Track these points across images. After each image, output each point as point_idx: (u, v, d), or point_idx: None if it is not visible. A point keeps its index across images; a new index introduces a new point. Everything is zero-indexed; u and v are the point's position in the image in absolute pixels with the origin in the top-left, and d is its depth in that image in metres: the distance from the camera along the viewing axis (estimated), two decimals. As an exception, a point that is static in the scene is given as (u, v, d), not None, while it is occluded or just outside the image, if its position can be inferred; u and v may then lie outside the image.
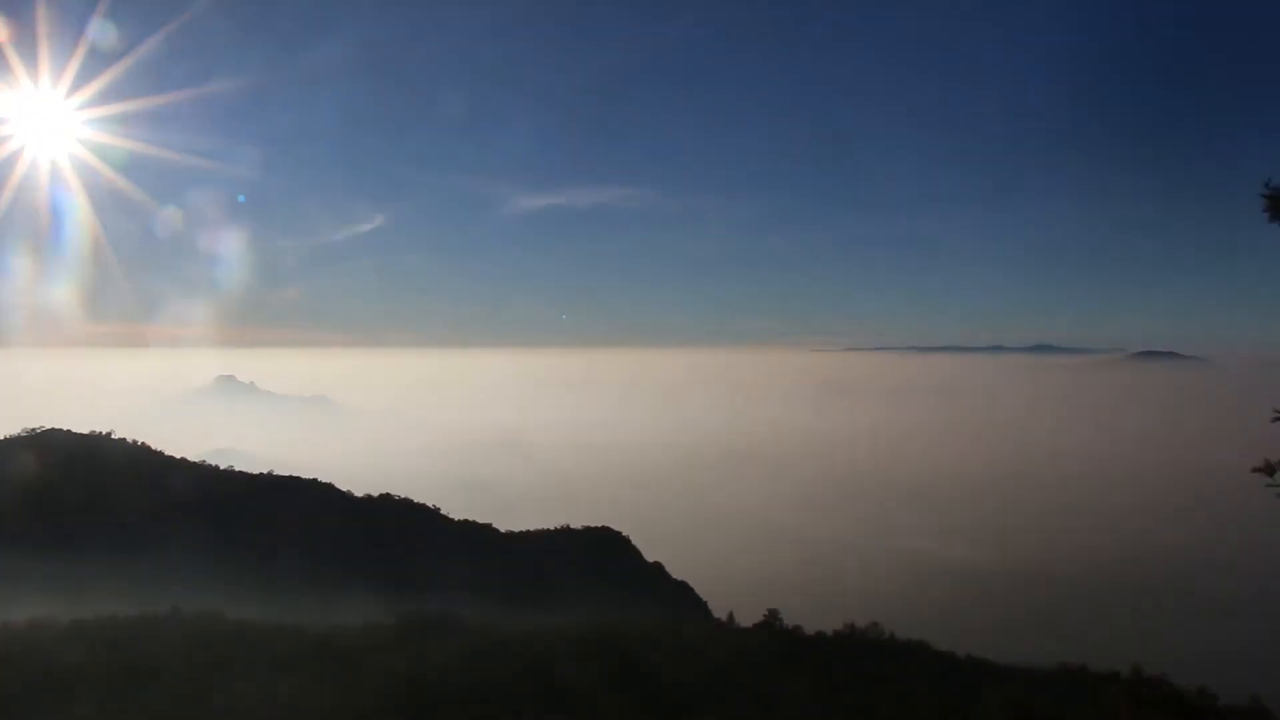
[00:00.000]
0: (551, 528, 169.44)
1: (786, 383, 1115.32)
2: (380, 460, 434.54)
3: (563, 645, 72.61)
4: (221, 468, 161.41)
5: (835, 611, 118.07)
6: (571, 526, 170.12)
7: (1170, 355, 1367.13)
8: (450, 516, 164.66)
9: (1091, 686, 61.43)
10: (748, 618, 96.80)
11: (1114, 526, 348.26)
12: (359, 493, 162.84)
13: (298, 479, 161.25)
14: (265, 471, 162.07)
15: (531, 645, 72.09)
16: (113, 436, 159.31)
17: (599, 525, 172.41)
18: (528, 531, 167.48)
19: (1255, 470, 12.12)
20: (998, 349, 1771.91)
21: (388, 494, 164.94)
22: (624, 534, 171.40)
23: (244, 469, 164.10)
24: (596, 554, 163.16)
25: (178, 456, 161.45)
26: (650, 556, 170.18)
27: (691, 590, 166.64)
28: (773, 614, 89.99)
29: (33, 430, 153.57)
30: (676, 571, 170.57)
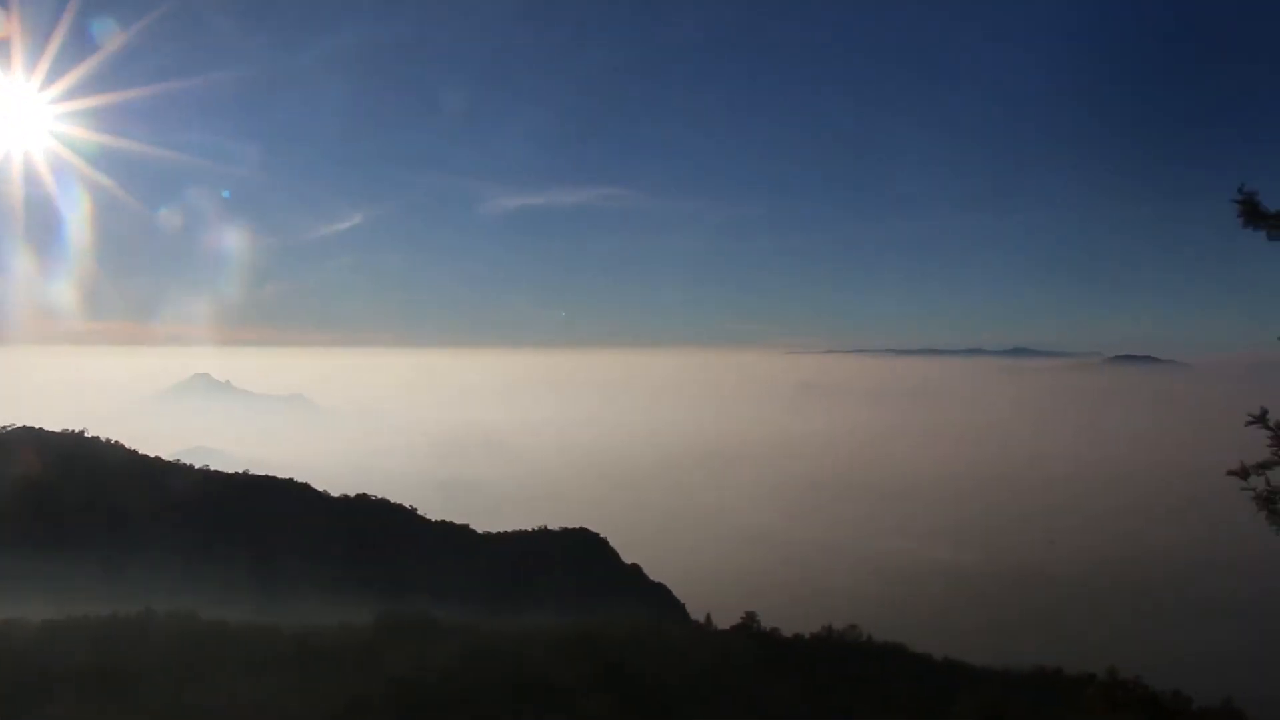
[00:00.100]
0: (529, 529, 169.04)
1: (764, 384, 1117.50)
2: (358, 460, 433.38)
3: (544, 646, 72.47)
4: (196, 467, 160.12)
5: (813, 613, 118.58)
6: (550, 528, 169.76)
7: (1147, 359, 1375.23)
8: (428, 517, 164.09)
9: (1067, 689, 61.81)
10: (726, 620, 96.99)
11: (1093, 529, 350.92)
12: (336, 493, 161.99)
13: (274, 479, 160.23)
14: (241, 471, 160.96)
15: (511, 646, 71.90)
16: (86, 435, 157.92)
17: (577, 526, 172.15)
18: (505, 533, 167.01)
19: (1230, 473, 12.18)
20: (975, 352, 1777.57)
21: (365, 494, 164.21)
22: (602, 535, 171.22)
23: (219, 468, 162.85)
24: (575, 555, 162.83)
25: (152, 455, 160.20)
26: (628, 558, 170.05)
27: (669, 592, 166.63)
28: (750, 616, 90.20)
29: (2, 429, 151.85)
30: (654, 573, 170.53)
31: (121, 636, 64.66)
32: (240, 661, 60.51)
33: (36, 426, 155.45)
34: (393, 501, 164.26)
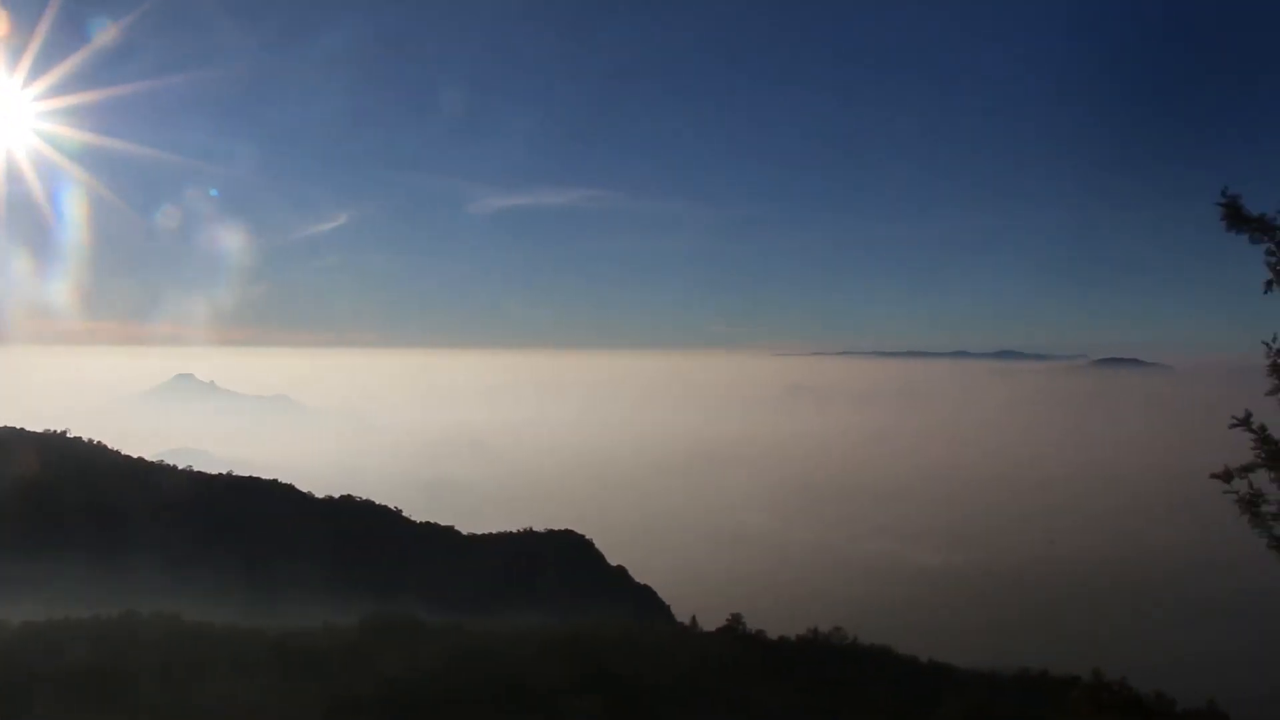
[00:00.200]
0: (515, 530, 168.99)
1: (750, 386, 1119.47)
2: (343, 461, 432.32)
3: (529, 648, 72.38)
4: (180, 468, 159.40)
5: (799, 615, 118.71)
6: (535, 529, 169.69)
7: (1133, 362, 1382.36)
8: (413, 518, 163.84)
9: (1052, 691, 62.01)
10: (711, 621, 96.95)
11: (1082, 530, 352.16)
12: (321, 494, 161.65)
13: (258, 480, 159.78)
14: (225, 472, 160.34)
15: (497, 647, 71.80)
16: (68, 435, 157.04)
17: (562, 528, 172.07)
18: (491, 534, 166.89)
19: (1214, 476, 12.22)
20: (961, 354, 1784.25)
21: (350, 495, 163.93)
22: (587, 537, 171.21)
23: (203, 469, 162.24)
24: (560, 557, 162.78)
25: (135, 456, 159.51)
26: (614, 559, 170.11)
27: (655, 594, 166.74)
28: (736, 618, 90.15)
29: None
30: (640, 575, 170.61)
31: (105, 638, 64.24)
32: (225, 663, 60.20)
33: (18, 427, 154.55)
34: (378, 503, 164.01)
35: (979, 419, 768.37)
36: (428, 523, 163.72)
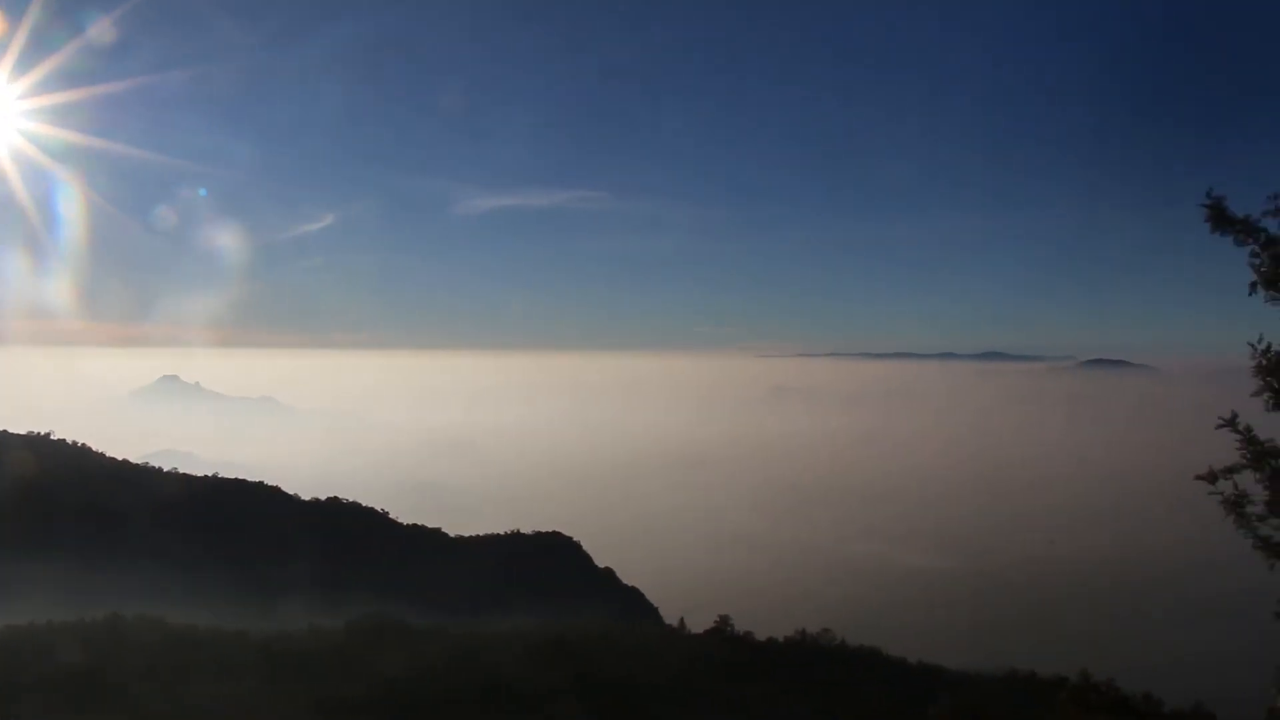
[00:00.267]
0: (502, 532, 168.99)
1: (737, 388, 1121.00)
2: (329, 463, 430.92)
3: (516, 650, 72.28)
4: (165, 470, 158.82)
5: (787, 617, 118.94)
6: (522, 531, 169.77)
7: (1120, 363, 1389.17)
8: (400, 520, 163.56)
9: (1040, 692, 62.18)
10: (699, 623, 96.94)
11: (1068, 533, 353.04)
12: (307, 496, 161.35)
13: (244, 482, 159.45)
14: (211, 474, 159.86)
15: (484, 650, 71.68)
16: (51, 438, 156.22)
17: (550, 530, 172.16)
18: (478, 536, 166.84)
19: (1198, 478, 12.23)
20: (948, 356, 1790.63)
21: (336, 497, 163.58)
22: (575, 539, 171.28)
23: (189, 471, 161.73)
24: (547, 559, 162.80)
25: (120, 458, 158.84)
26: (602, 561, 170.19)
27: (642, 596, 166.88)
28: (724, 620, 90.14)
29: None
30: (628, 576, 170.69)
31: (90, 641, 63.92)
32: (210, 666, 59.98)
33: (1, 429, 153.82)
34: (364, 505, 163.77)
35: (967, 420, 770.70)
36: (415, 525, 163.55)
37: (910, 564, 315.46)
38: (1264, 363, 11.65)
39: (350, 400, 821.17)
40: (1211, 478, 12.17)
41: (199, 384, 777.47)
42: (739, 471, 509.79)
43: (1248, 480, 12.07)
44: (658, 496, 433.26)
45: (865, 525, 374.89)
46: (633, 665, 71.90)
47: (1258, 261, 11.94)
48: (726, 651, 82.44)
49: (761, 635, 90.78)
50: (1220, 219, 12.20)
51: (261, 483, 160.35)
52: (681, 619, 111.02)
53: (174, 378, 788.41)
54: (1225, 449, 12.30)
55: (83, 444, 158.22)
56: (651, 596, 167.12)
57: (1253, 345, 11.64)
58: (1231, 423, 12.09)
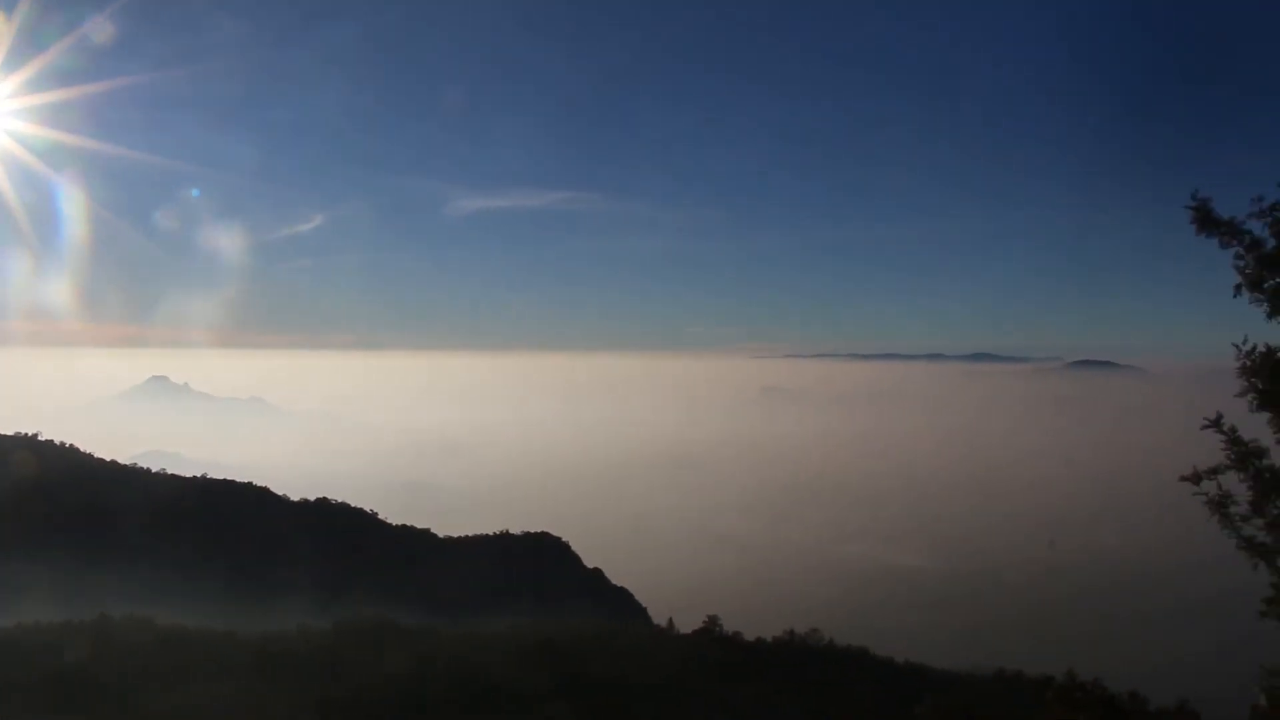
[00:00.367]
0: (491, 533, 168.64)
1: (727, 389, 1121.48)
2: (318, 463, 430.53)
3: (505, 651, 72.18)
4: (154, 471, 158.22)
5: (776, 617, 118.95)
6: (511, 532, 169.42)
7: (1107, 364, 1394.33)
8: (389, 521, 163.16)
9: (1028, 691, 62.29)
10: (688, 624, 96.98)
11: (1055, 533, 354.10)
12: (296, 496, 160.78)
13: (233, 482, 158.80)
14: (199, 475, 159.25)
15: (472, 651, 71.56)
16: (39, 438, 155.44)
17: (539, 530, 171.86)
18: (467, 537, 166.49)
19: (1183, 479, 12.29)
20: (937, 357, 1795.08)
21: (325, 498, 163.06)
22: (564, 539, 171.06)
23: (177, 472, 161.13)
24: (536, 559, 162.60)
25: (108, 459, 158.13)
26: (590, 562, 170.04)
27: (631, 596, 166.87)
28: (713, 620, 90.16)
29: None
30: (616, 577, 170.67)
31: (75, 644, 63.66)
32: (199, 667, 59.78)
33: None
34: (353, 505, 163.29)
35: (955, 421, 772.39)
36: (404, 525, 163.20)
37: (898, 564, 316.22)
38: (1248, 364, 11.73)
39: (340, 401, 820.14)
40: (1196, 479, 12.24)
41: (188, 384, 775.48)
42: (728, 472, 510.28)
43: (1232, 481, 12.15)
44: (647, 497, 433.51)
45: (853, 526, 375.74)
46: (624, 666, 71.87)
47: (1242, 264, 12.02)
48: (718, 652, 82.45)
49: (751, 635, 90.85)
50: (1206, 221, 12.28)
51: (251, 483, 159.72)
52: (670, 619, 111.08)
53: (163, 378, 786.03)
54: (1211, 450, 12.37)
55: (71, 444, 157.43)
56: (641, 597, 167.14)
57: (1237, 346, 11.72)
58: (1216, 423, 12.17)
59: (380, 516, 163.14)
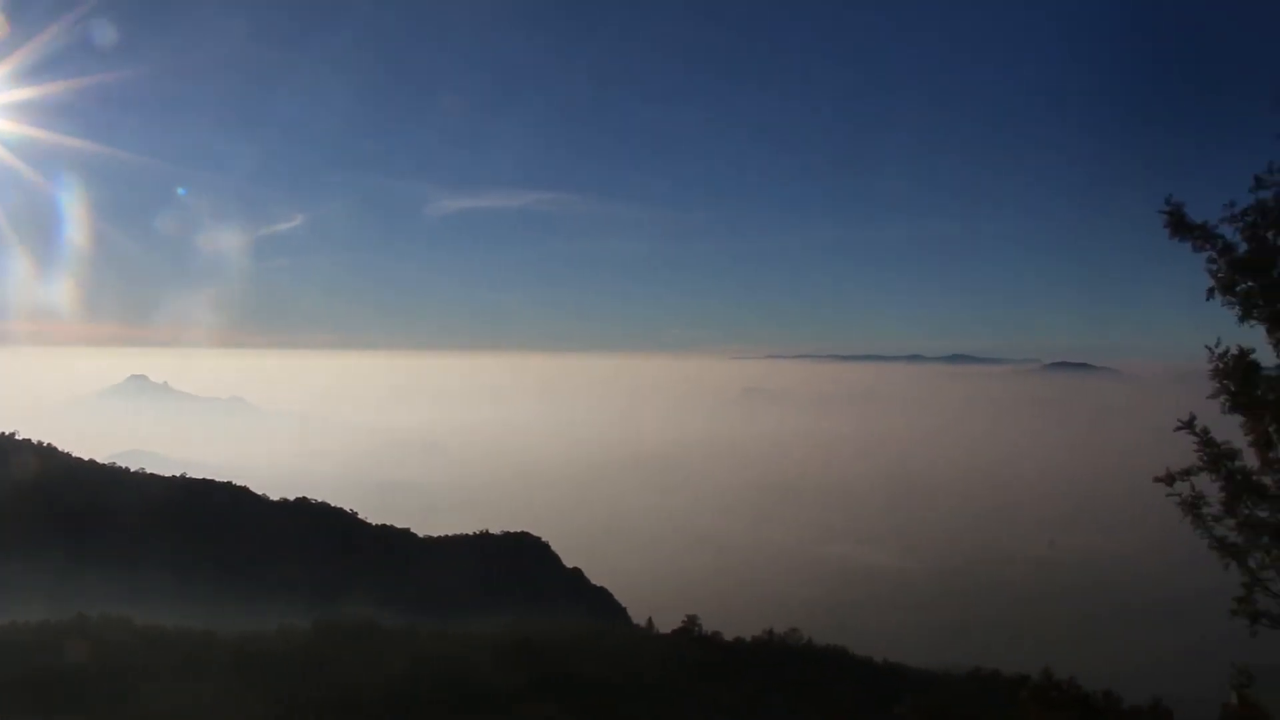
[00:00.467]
0: (470, 533, 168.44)
1: (707, 389, 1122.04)
2: (298, 463, 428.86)
3: (485, 651, 72.11)
4: (133, 470, 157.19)
5: (755, 617, 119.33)
6: (491, 532, 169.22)
7: (1083, 366, 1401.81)
8: (369, 521, 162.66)
9: (1003, 690, 62.71)
10: (667, 623, 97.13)
11: (1033, 533, 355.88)
12: (275, 496, 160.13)
13: (212, 482, 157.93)
14: (179, 474, 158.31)
15: (452, 651, 71.46)
16: (16, 437, 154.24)
17: (519, 531, 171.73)
18: (447, 537, 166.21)
19: (1157, 480, 12.46)
20: (915, 358, 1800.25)
21: (305, 498, 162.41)
22: (544, 539, 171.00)
23: (157, 471, 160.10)
24: (515, 560, 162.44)
25: (87, 458, 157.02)
26: (570, 562, 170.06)
27: (611, 596, 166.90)
28: (692, 620, 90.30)
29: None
30: (596, 577, 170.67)
31: (53, 644, 63.22)
32: (176, 667, 59.48)
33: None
34: (333, 505, 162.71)
35: (934, 422, 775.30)
36: (384, 525, 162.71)
37: (877, 564, 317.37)
38: (1220, 366, 11.91)
39: (319, 401, 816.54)
40: (1169, 480, 12.40)
41: (167, 384, 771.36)
42: (708, 472, 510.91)
43: (1205, 482, 12.33)
44: (627, 497, 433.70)
45: (832, 526, 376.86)
46: (604, 665, 71.94)
47: (1215, 267, 12.22)
48: (697, 651, 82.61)
49: (730, 635, 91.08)
50: (1179, 225, 12.47)
51: (230, 483, 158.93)
52: (650, 619, 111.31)
53: (142, 377, 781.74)
54: (1185, 451, 12.55)
55: (48, 444, 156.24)
56: (620, 597, 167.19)
57: (1210, 349, 11.90)
58: (1189, 425, 12.34)
59: (360, 516, 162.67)
